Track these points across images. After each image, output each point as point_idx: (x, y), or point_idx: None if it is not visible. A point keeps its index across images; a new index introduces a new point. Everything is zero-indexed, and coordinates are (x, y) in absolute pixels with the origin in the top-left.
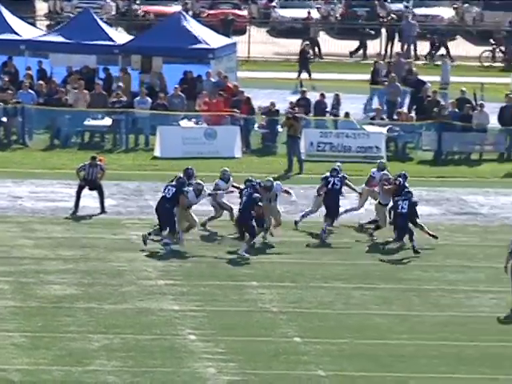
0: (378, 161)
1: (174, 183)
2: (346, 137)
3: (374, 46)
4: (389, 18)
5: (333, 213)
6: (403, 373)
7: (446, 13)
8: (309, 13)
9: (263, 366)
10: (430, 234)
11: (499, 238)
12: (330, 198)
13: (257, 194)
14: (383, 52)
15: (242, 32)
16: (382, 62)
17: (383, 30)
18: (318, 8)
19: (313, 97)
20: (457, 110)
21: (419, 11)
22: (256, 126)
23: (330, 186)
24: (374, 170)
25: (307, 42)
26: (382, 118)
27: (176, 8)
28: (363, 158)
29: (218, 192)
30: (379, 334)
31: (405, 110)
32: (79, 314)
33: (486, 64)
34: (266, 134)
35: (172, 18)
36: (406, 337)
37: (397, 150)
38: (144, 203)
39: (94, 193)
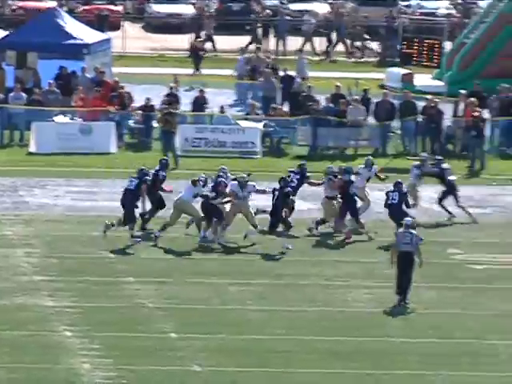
0: (366, 158)
1: (136, 175)
2: (221, 132)
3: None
4: (263, 13)
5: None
6: (279, 368)
7: (322, 8)
8: (201, 8)
9: (139, 361)
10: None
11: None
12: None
13: (288, 188)
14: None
15: (116, 27)
16: (244, 56)
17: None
18: (193, 4)
19: (194, 93)
20: (331, 105)
21: (294, 6)
22: (131, 121)
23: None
24: (361, 166)
25: (200, 38)
26: (257, 114)
27: (51, 4)
28: (238, 154)
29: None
30: (255, 330)
31: (279, 105)
32: None
33: (360, 60)
34: (142, 129)
35: (46, 14)
36: (282, 332)
37: (272, 146)
38: (19, 199)
39: None
